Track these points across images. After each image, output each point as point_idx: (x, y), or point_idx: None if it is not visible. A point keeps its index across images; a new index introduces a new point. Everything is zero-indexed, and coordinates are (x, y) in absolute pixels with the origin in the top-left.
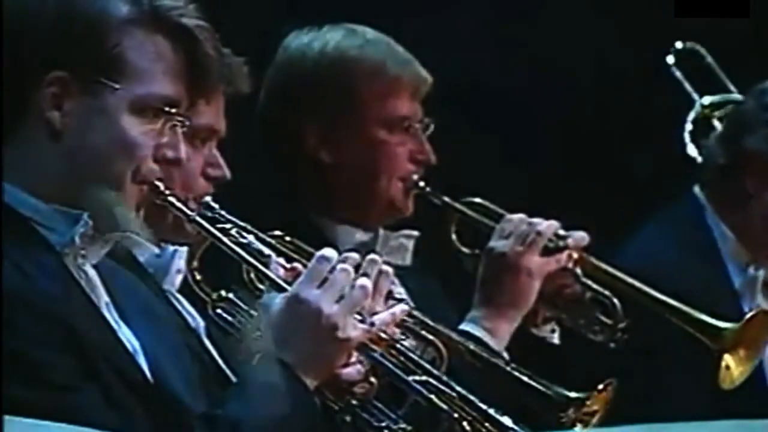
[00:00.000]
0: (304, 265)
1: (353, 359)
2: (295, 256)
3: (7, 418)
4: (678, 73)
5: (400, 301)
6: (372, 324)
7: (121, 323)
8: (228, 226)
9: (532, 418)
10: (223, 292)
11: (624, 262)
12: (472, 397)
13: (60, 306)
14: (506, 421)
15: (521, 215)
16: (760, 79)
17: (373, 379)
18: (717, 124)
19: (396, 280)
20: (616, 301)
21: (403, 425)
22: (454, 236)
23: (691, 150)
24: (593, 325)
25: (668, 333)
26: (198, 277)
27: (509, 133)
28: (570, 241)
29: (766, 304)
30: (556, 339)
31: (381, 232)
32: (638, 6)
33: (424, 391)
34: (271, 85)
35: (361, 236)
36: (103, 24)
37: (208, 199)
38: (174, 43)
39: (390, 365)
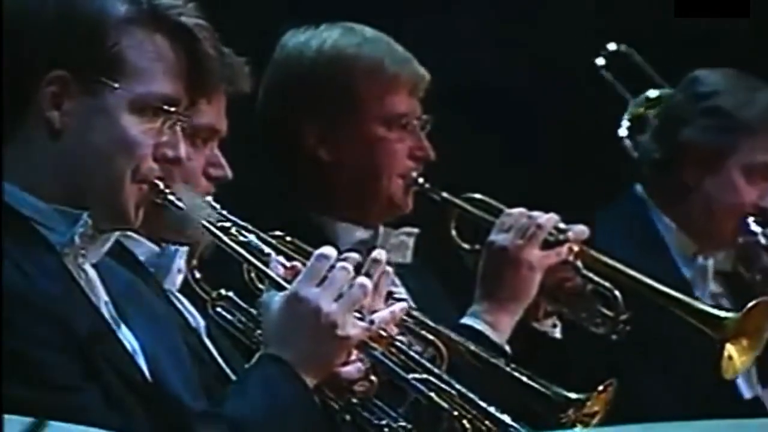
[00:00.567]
0: (305, 265)
1: (353, 357)
2: (296, 256)
3: (7, 417)
4: (608, 75)
5: (401, 301)
6: (371, 322)
7: (121, 323)
8: (228, 225)
9: (532, 418)
10: (223, 291)
11: None
12: (472, 395)
13: (60, 306)
14: (506, 419)
15: (521, 209)
16: (760, 78)
17: (373, 378)
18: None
19: (397, 280)
20: (617, 293)
21: (403, 423)
22: (454, 232)
23: (630, 148)
24: (595, 317)
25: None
26: (198, 276)
27: (509, 133)
28: (570, 234)
29: (715, 289)
30: (557, 333)
31: (381, 229)
32: (638, 6)
33: (425, 389)
34: (270, 84)
35: (361, 234)
36: (103, 23)
37: (209, 199)
38: (173, 42)
39: (390, 363)
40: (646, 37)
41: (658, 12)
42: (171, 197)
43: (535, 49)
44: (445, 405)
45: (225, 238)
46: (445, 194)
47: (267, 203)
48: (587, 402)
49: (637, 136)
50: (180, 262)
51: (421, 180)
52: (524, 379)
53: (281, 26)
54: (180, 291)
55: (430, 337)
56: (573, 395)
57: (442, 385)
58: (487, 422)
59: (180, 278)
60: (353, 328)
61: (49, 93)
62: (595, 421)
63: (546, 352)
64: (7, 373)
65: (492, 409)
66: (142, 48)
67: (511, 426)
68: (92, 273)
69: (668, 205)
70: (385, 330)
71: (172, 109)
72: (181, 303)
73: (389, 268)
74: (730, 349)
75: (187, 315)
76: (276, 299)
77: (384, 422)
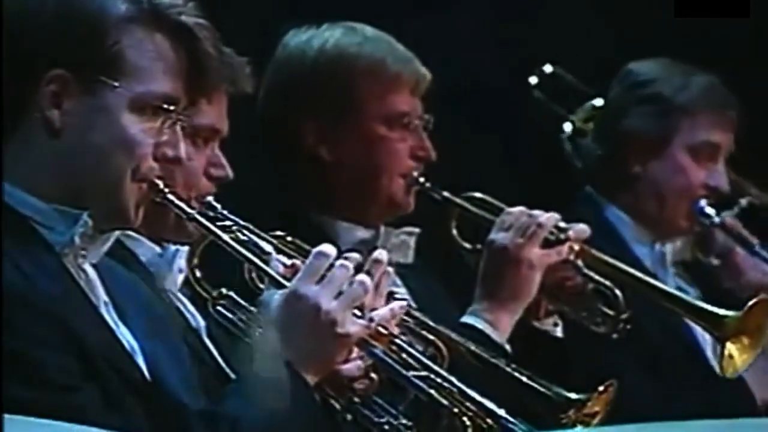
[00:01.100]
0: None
1: (354, 355)
2: (297, 256)
3: (7, 417)
4: (540, 94)
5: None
6: (371, 320)
7: (120, 323)
8: (228, 223)
9: (532, 418)
10: (223, 290)
11: None
12: (472, 393)
13: (60, 306)
14: (505, 415)
15: (521, 208)
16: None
17: (373, 375)
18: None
19: (398, 280)
20: (618, 291)
21: (403, 421)
22: (455, 231)
23: (572, 156)
24: (595, 316)
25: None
26: (198, 275)
27: (509, 133)
28: (571, 233)
29: (678, 279)
30: (559, 332)
31: (382, 229)
32: (638, 6)
33: (425, 387)
34: (271, 83)
35: (362, 234)
36: (103, 22)
37: (210, 199)
38: (173, 41)
39: (390, 361)
40: (646, 37)
41: (658, 12)
42: (170, 196)
43: (535, 49)
44: (446, 402)
45: (225, 237)
46: (446, 194)
47: (267, 203)
48: (588, 402)
49: (578, 139)
50: (180, 262)
51: (422, 179)
52: (524, 379)
53: (282, 26)
54: (180, 291)
55: (431, 337)
56: (573, 395)
57: (443, 383)
58: (487, 419)
59: (180, 278)
60: (353, 325)
61: (49, 92)
62: (595, 421)
63: (547, 351)
64: (7, 373)
65: (492, 406)
66: (142, 47)
67: (512, 423)
68: (92, 273)
69: (619, 197)
70: (385, 328)
71: (172, 108)
72: (182, 303)
73: (390, 269)
74: (730, 347)
75: (187, 315)
76: (275, 297)
77: (384, 420)
